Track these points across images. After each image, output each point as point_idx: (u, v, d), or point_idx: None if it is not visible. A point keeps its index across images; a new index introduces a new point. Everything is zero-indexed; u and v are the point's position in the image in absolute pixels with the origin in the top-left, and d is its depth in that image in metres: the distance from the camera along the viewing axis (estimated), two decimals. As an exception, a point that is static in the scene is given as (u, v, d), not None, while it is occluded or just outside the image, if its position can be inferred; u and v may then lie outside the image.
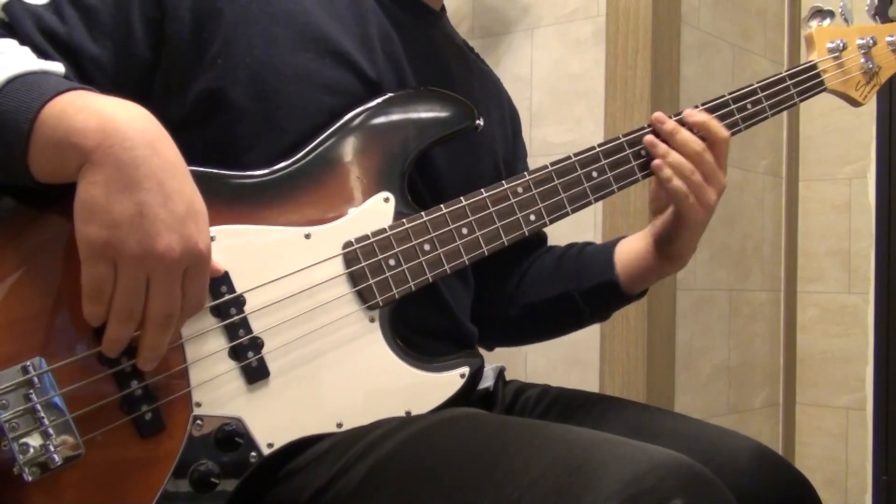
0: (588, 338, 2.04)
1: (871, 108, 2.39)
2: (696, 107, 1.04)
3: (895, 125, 2.36)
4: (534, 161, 1.01)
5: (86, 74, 0.85)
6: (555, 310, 1.14)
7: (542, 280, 1.15)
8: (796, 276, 2.53)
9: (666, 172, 1.00)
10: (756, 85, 1.08)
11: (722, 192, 1.03)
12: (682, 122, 1.02)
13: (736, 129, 1.06)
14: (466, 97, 0.99)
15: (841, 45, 1.15)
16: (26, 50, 0.81)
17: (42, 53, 0.82)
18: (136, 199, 0.70)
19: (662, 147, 1.01)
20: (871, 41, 1.17)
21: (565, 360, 2.09)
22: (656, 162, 1.01)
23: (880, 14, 1.20)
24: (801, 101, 1.12)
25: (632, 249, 1.10)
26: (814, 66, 1.14)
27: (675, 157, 1.00)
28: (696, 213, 1.02)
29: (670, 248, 1.07)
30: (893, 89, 2.36)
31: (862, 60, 1.17)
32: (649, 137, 1.02)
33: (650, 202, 1.07)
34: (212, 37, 0.89)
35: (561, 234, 1.20)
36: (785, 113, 2.44)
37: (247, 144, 0.89)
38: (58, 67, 0.80)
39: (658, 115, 1.03)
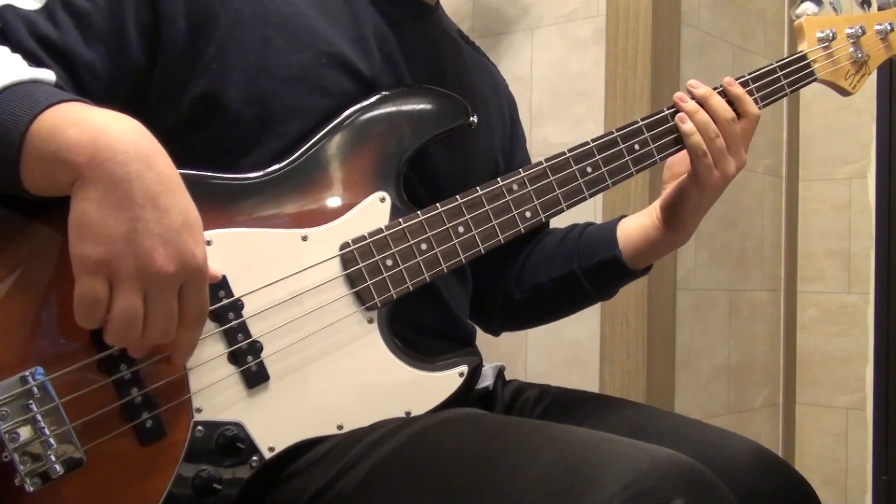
0: (588, 338, 2.04)
1: (870, 108, 2.39)
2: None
3: (895, 125, 2.36)
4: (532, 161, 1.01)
5: (80, 81, 0.84)
6: (560, 289, 1.14)
7: (546, 261, 1.16)
8: (796, 276, 2.53)
9: (688, 126, 1.02)
10: (747, 76, 1.08)
11: (741, 168, 1.05)
12: (719, 91, 1.05)
13: None
14: (464, 91, 0.99)
15: (830, 34, 1.15)
16: (17, 57, 0.80)
17: (35, 60, 0.81)
18: (130, 215, 0.70)
19: (692, 104, 1.03)
20: (860, 30, 1.17)
21: (565, 360, 2.09)
22: (681, 115, 1.02)
23: (868, 2, 1.19)
24: (792, 91, 1.12)
25: (634, 225, 1.11)
26: (804, 57, 1.14)
27: (702, 115, 1.02)
28: (711, 175, 1.02)
29: (676, 215, 1.07)
30: (893, 89, 2.35)
31: (851, 50, 1.17)
32: (679, 94, 1.04)
33: (665, 168, 1.08)
34: (207, 41, 0.88)
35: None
36: (785, 113, 2.48)
37: (244, 148, 0.89)
38: (48, 75, 0.79)
39: (693, 81, 1.05)
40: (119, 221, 0.70)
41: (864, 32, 1.17)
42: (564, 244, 1.15)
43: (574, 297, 1.15)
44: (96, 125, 0.71)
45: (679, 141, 1.04)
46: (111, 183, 0.70)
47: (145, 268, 0.70)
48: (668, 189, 1.08)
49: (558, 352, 2.10)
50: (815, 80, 1.15)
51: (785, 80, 1.11)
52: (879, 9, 1.20)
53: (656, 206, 1.10)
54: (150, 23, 0.87)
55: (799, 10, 1.17)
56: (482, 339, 1.10)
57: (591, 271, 1.11)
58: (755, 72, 1.09)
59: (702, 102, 1.03)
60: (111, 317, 0.71)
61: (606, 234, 1.12)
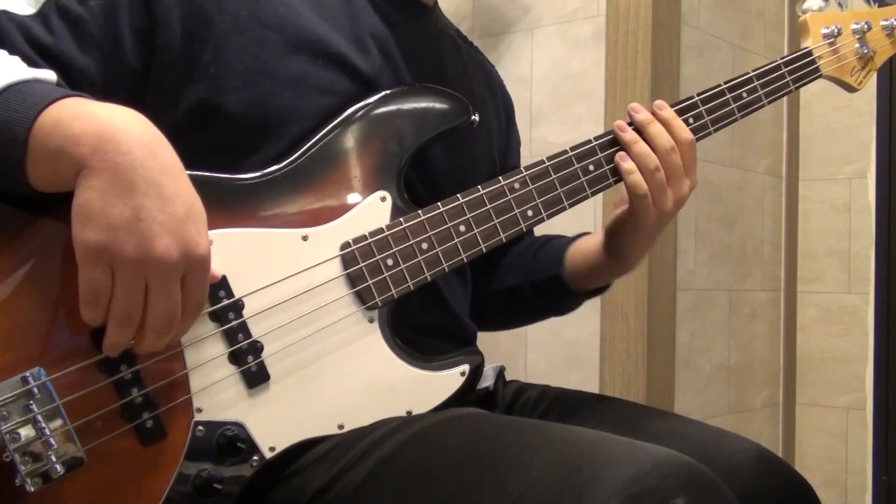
0: (588, 338, 2.04)
1: (870, 108, 2.39)
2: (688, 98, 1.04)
3: (895, 125, 2.36)
4: (533, 161, 1.01)
5: (75, 86, 0.84)
6: (510, 300, 1.16)
7: (507, 269, 1.17)
8: (796, 276, 2.53)
9: (628, 164, 0.98)
10: (752, 73, 1.07)
11: (681, 202, 1.00)
12: (654, 115, 1.00)
13: (731, 118, 1.05)
14: (462, 91, 0.99)
15: (836, 30, 1.14)
16: (16, 59, 0.80)
17: (31, 64, 0.81)
18: (133, 203, 0.70)
19: (631, 134, 0.99)
20: (865, 26, 1.16)
21: (565, 360, 2.09)
22: (620, 153, 0.98)
23: None
24: (797, 87, 1.11)
25: (583, 247, 1.11)
26: (809, 53, 1.13)
27: (642, 147, 0.98)
28: (648, 214, 0.98)
29: (615, 246, 1.05)
30: (893, 90, 2.35)
31: (857, 45, 1.16)
32: (619, 122, 1.00)
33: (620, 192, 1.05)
34: (203, 46, 0.88)
35: (561, 229, 1.20)
36: (785, 113, 2.48)
37: (243, 151, 0.89)
38: (50, 75, 0.79)
39: (634, 104, 1.01)
40: (122, 209, 0.70)
41: (869, 28, 1.16)
42: (524, 256, 1.16)
43: (524, 307, 1.17)
44: (100, 117, 0.72)
45: None
46: (114, 171, 0.70)
47: (147, 255, 0.70)
48: (611, 219, 1.05)
49: (558, 351, 2.10)
50: (820, 76, 1.14)
51: (790, 76, 1.10)
52: (885, 4, 1.19)
53: (604, 229, 1.08)
54: (144, 28, 0.87)
55: (804, 7, 1.16)
56: (482, 339, 1.10)
57: (537, 287, 1.13)
58: (760, 68, 1.08)
59: (641, 130, 0.99)
60: (112, 306, 0.71)
61: (557, 251, 1.12)
